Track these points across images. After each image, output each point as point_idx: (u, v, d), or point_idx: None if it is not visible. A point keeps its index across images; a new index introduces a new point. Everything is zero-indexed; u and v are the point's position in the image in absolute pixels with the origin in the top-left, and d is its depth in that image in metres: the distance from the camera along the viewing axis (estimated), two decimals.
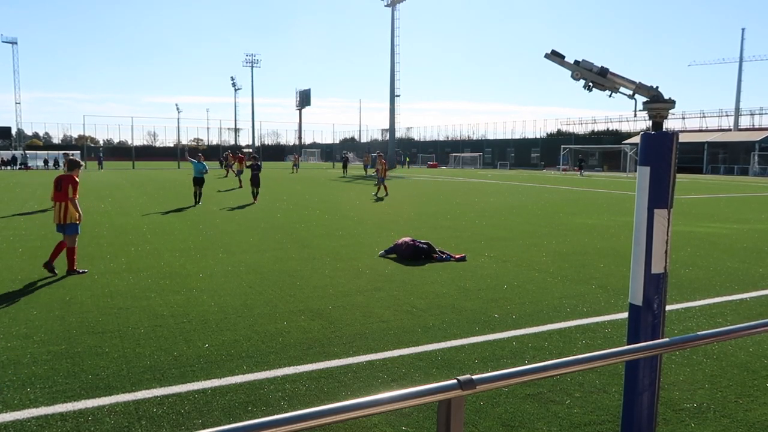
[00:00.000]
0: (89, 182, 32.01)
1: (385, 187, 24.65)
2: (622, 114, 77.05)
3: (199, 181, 20.07)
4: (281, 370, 5.05)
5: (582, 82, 3.68)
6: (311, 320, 6.51)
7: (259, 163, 22.17)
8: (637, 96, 3.58)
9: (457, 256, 10.20)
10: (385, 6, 69.24)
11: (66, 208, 8.76)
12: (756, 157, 57.05)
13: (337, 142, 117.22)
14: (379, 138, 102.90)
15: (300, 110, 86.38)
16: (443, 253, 10.24)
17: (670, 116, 3.70)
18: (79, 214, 8.88)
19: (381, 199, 23.25)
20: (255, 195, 21.41)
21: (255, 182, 21.45)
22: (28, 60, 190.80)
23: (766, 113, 68.29)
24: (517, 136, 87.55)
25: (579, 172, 55.44)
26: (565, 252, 11.03)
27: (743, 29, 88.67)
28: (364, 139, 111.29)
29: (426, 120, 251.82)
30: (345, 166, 49.02)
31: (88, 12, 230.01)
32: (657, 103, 3.49)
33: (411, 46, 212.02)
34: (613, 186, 34.94)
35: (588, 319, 6.65)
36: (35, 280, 8.40)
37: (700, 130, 69.58)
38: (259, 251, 10.88)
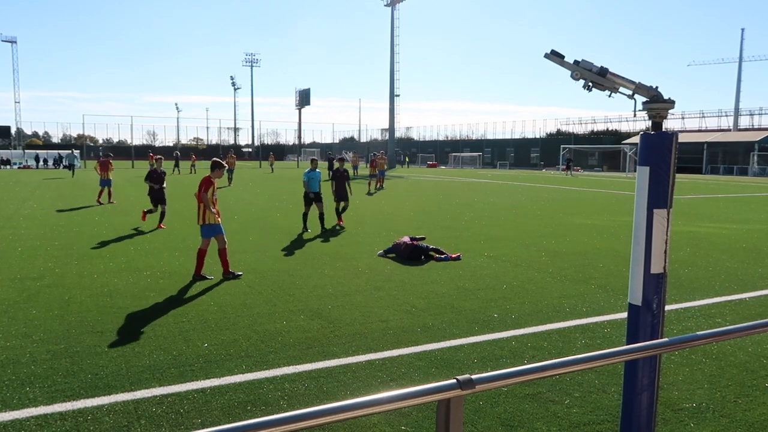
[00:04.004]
0: (90, 182, 32.02)
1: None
2: (622, 114, 77.06)
3: (316, 197, 13.82)
4: (280, 370, 5.05)
5: (582, 82, 3.68)
6: (311, 320, 6.51)
7: (342, 169, 15.29)
8: (636, 96, 3.58)
9: (453, 256, 10.22)
10: (385, 6, 69.16)
11: (199, 208, 8.56)
12: (755, 158, 57.01)
13: (337, 141, 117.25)
14: (379, 138, 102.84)
15: (300, 110, 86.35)
16: (439, 252, 10.24)
17: (669, 116, 3.71)
18: (213, 213, 8.50)
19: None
20: (339, 212, 15.04)
21: (341, 194, 15.00)
22: (28, 59, 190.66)
23: (765, 113, 68.30)
24: (516, 136, 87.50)
25: (566, 173, 52.96)
26: (565, 252, 11.04)
27: (743, 29, 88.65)
28: (363, 139, 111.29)
29: (426, 120, 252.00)
30: (331, 168, 36.07)
31: (87, 12, 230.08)
32: (656, 103, 3.49)
33: (411, 46, 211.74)
34: (613, 186, 34.94)
35: (587, 319, 6.66)
36: (35, 279, 8.40)
37: (700, 131, 69.57)
38: (258, 251, 10.88)
